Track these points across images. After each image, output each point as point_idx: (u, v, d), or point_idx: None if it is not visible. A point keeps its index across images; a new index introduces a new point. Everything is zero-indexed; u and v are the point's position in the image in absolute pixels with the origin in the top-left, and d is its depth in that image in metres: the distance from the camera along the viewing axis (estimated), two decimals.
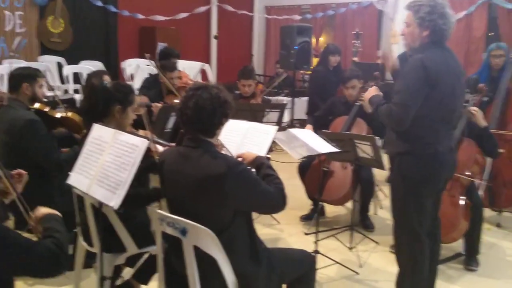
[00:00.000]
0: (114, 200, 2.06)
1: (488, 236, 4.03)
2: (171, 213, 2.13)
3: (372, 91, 2.81)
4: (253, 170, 2.21)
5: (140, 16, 8.26)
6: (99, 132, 2.32)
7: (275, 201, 2.08)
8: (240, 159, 2.25)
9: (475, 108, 3.50)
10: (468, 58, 7.69)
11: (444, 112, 2.53)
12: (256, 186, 2.02)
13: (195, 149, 2.04)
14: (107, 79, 3.42)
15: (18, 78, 3.15)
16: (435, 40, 2.51)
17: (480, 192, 3.67)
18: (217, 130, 2.10)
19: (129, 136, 2.18)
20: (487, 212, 4.26)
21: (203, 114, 2.01)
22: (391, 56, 2.98)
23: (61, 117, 3.23)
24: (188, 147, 2.07)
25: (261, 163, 2.23)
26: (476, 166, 3.51)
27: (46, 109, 3.19)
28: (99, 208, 2.24)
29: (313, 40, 8.51)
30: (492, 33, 7.76)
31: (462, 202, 3.39)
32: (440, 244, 2.86)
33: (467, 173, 3.43)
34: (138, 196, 2.44)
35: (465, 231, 3.42)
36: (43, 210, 1.85)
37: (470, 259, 3.50)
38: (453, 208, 3.37)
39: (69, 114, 3.25)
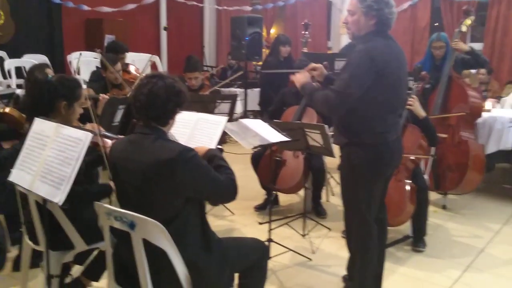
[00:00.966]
0: (58, 196, 2.00)
1: (435, 218, 4.20)
2: (122, 204, 2.10)
3: (302, 77, 2.77)
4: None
5: (86, 8, 7.99)
6: (40, 127, 2.24)
7: (226, 189, 2.10)
8: None
9: (411, 99, 3.60)
10: (413, 47, 7.94)
11: (392, 101, 2.55)
12: (207, 173, 2.03)
13: (147, 135, 2.03)
14: (49, 72, 3.29)
15: None
16: (380, 29, 2.52)
17: (426, 176, 3.80)
18: (170, 119, 2.11)
19: (73, 130, 2.12)
20: (433, 195, 4.45)
21: (157, 101, 2.02)
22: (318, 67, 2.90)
23: None
24: (140, 134, 2.06)
25: (213, 155, 2.24)
26: (420, 150, 3.63)
27: None
28: (43, 205, 2.17)
29: (264, 31, 8.53)
30: (437, 24, 8.03)
31: (408, 186, 3.50)
32: (387, 228, 2.95)
33: (412, 158, 3.55)
34: (86, 194, 2.39)
35: (412, 214, 3.55)
36: None
37: (417, 240, 3.64)
38: (400, 192, 3.49)
39: (7, 109, 3.09)
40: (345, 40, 7.81)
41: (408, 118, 3.64)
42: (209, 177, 2.03)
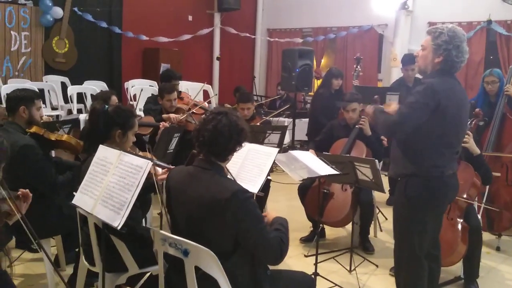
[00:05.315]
0: (117, 220, 2.09)
1: (487, 259, 4.04)
2: (174, 232, 2.17)
3: (394, 105, 2.78)
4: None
5: (144, 38, 8.41)
6: (104, 153, 2.37)
7: (270, 246, 2.04)
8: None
9: (466, 136, 3.52)
10: (467, 82, 7.77)
11: (449, 137, 2.62)
12: (257, 220, 2.03)
13: (205, 170, 2.10)
14: (114, 99, 3.47)
15: (15, 101, 3.09)
16: (445, 68, 2.61)
17: (479, 216, 3.69)
18: (230, 155, 2.18)
19: (134, 158, 2.23)
20: (487, 236, 4.28)
21: (220, 138, 2.09)
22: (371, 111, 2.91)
23: (56, 140, 3.21)
24: (199, 167, 2.13)
25: (277, 222, 2.24)
26: (474, 189, 3.53)
27: (42, 131, 3.16)
28: (102, 228, 2.28)
29: (314, 62, 8.62)
30: (492, 57, 7.85)
31: (460, 225, 3.41)
32: (440, 266, 2.89)
33: (464, 196, 3.46)
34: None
35: (464, 255, 3.44)
36: None
37: (469, 282, 3.51)
38: (452, 231, 3.39)
39: (64, 137, 3.25)
40: (395, 73, 7.76)
41: (461, 155, 3.57)
42: (256, 226, 2.01)
